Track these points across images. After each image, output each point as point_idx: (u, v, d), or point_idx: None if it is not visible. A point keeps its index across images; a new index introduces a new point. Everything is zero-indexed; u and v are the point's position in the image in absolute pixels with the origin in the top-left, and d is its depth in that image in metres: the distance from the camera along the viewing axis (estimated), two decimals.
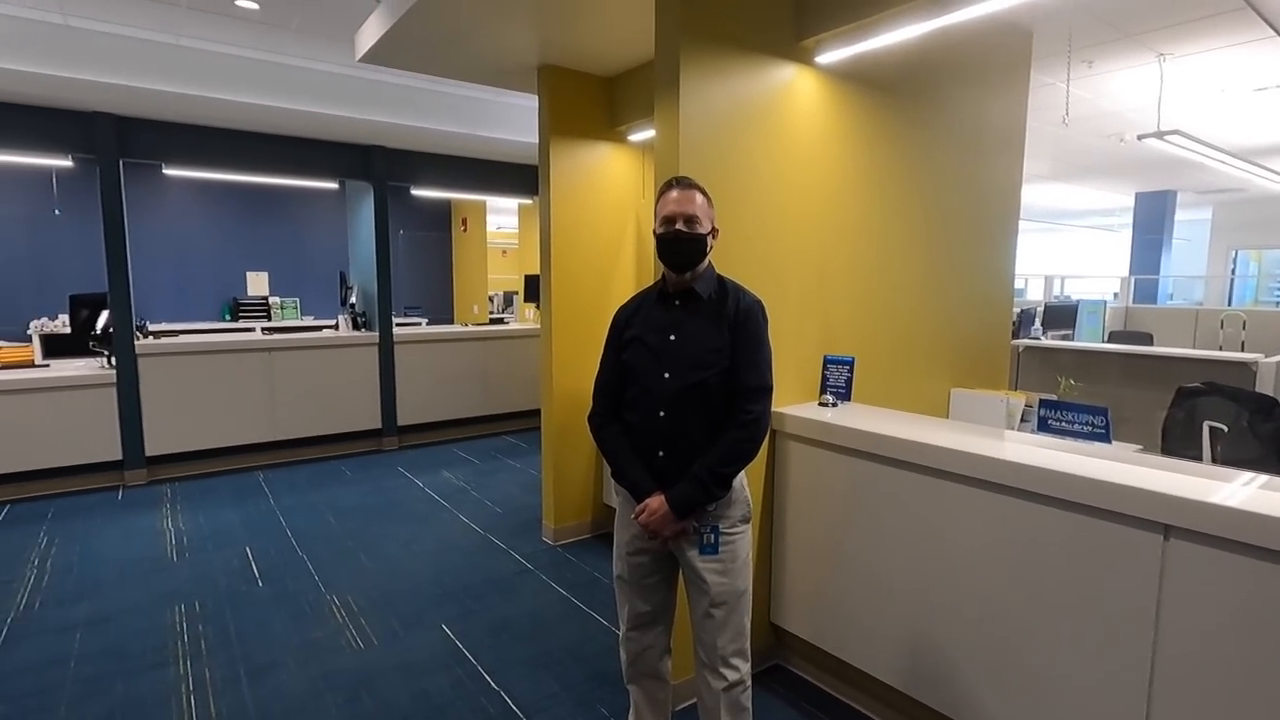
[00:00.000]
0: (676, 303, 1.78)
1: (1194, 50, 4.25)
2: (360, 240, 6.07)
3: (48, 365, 4.86)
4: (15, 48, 3.82)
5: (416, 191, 6.31)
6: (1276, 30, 2.75)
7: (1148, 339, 6.22)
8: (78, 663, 2.61)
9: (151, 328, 5.35)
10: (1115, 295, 9.96)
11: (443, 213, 9.11)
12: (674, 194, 1.73)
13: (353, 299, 6.12)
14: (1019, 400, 2.88)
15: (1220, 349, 6.19)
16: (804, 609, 2.47)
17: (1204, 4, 3.56)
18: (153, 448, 4.86)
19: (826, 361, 2.61)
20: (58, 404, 4.51)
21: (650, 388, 1.73)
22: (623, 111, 3.72)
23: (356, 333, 5.85)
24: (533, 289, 6.87)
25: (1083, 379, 4.37)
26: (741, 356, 1.71)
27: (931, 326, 3.16)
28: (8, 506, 4.34)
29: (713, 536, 1.72)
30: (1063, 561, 1.72)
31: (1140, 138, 5.13)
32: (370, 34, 3.34)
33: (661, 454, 1.72)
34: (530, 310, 7.27)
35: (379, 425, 5.81)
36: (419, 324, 7.39)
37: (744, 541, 1.78)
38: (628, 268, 3.94)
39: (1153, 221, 10.03)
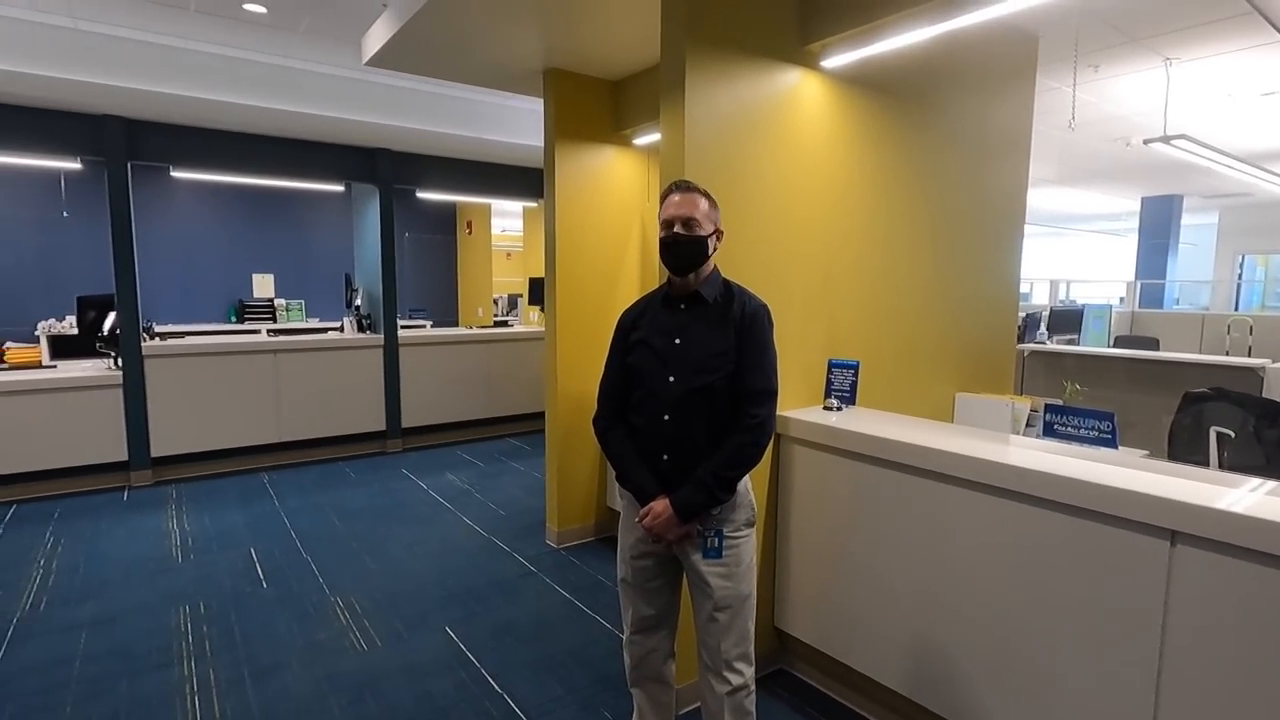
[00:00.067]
0: (682, 306, 1.78)
1: (1201, 55, 4.24)
2: (366, 243, 6.09)
3: (55, 366, 4.89)
4: (25, 51, 3.85)
5: (422, 194, 6.33)
6: None
7: (1154, 344, 6.20)
8: (83, 662, 2.62)
9: (158, 329, 5.37)
10: (1121, 300, 9.93)
11: (448, 216, 9.13)
12: (675, 198, 1.74)
13: (358, 301, 6.14)
14: (1024, 405, 2.87)
15: (1227, 354, 6.16)
16: (808, 613, 2.46)
17: (1211, 9, 3.55)
18: (158, 449, 4.88)
19: (831, 365, 2.61)
20: (64, 405, 4.54)
21: (655, 391, 1.73)
22: (628, 115, 3.72)
23: (361, 335, 5.87)
24: (537, 292, 6.88)
25: (1088, 384, 4.36)
26: (747, 360, 1.71)
27: (936, 330, 3.15)
28: (14, 506, 4.36)
29: (717, 540, 1.72)
30: (1069, 567, 1.72)
31: (1146, 142, 5.12)
32: (377, 38, 3.36)
33: (666, 457, 1.72)
34: (535, 313, 7.29)
35: (384, 427, 5.83)
36: (424, 326, 7.41)
37: (748, 545, 1.77)
38: (632, 271, 3.95)
39: (1159, 226, 10.00)
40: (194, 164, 5.10)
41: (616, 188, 3.85)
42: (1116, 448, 2.05)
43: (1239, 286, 12.23)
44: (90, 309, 4.96)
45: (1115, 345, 6.37)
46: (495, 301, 9.24)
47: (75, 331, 5.19)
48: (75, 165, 4.82)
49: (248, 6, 3.82)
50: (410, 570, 3.48)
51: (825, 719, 2.34)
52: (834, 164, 2.64)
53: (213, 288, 7.86)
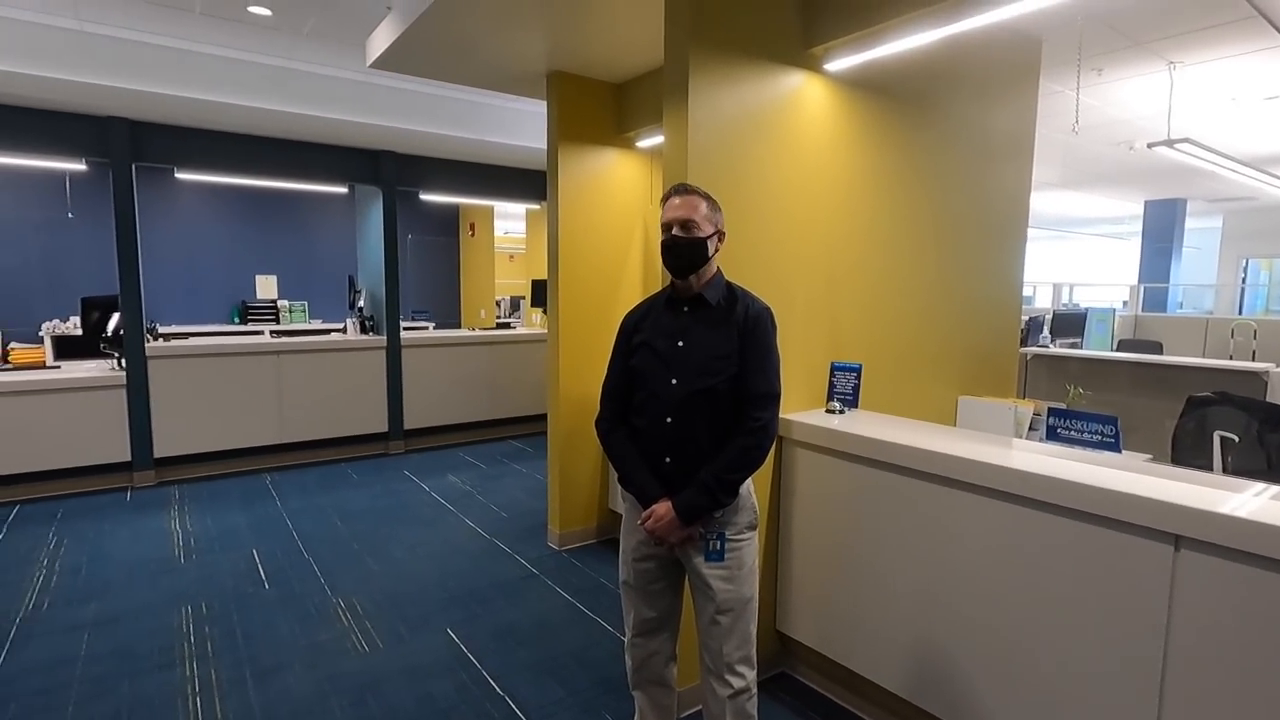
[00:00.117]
0: (685, 309, 1.78)
1: (1204, 59, 4.23)
2: (369, 245, 6.10)
3: (59, 367, 4.91)
4: (32, 53, 3.87)
5: (425, 196, 6.35)
6: None
7: (1157, 348, 6.19)
8: (85, 663, 2.63)
9: (161, 330, 5.39)
10: (1124, 303, 9.92)
11: (451, 218, 9.15)
12: (675, 200, 1.74)
13: (361, 303, 6.15)
14: (1027, 408, 2.87)
15: (1231, 358, 6.14)
16: (810, 616, 2.46)
17: (1215, 12, 3.55)
18: (161, 449, 4.89)
19: (834, 368, 2.61)
20: (68, 405, 4.55)
21: (658, 393, 1.73)
22: (631, 118, 3.73)
23: (364, 336, 5.88)
24: (540, 294, 6.89)
25: (1091, 387, 4.35)
26: (750, 363, 1.71)
27: (939, 333, 3.15)
28: (18, 506, 4.37)
29: (719, 543, 1.72)
30: (1072, 571, 1.71)
31: (1150, 146, 5.11)
32: (381, 40, 3.37)
33: (668, 460, 1.72)
34: (537, 315, 7.29)
35: (386, 429, 5.83)
36: (426, 328, 7.42)
37: (750, 548, 1.77)
38: (635, 273, 3.95)
39: (1162, 230, 9.98)
40: (198, 165, 5.11)
41: (619, 190, 3.86)
42: (1120, 452, 2.04)
43: (1243, 290, 12.20)
44: (94, 310, 4.97)
45: (1119, 349, 6.36)
46: (498, 303, 9.26)
47: (79, 332, 5.21)
48: (80, 166, 4.84)
49: (253, 9, 3.83)
50: (412, 572, 3.48)
51: None
52: (837, 167, 2.64)
53: (216, 289, 7.88)
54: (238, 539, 3.89)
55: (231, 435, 5.16)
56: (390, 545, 3.82)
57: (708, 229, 1.73)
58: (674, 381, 1.71)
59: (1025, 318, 5.27)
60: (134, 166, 4.75)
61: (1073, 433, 2.13)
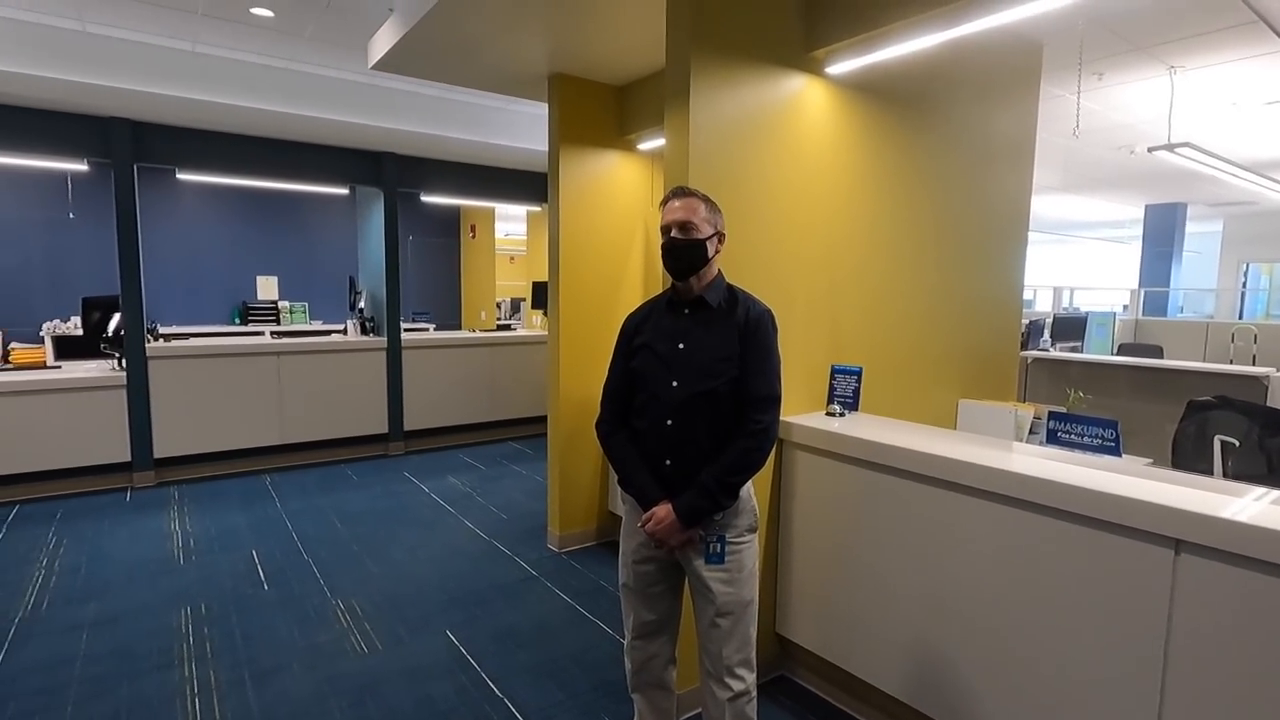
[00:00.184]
0: (686, 311, 1.78)
1: (1205, 63, 4.24)
2: (370, 246, 6.11)
3: (59, 367, 4.91)
4: (34, 53, 3.87)
5: (426, 198, 6.35)
6: None
7: (1158, 352, 6.19)
8: (84, 663, 2.63)
9: (162, 330, 5.39)
10: (1125, 307, 9.92)
11: (451, 219, 9.15)
12: (674, 203, 1.75)
13: (361, 304, 6.15)
14: (1027, 412, 2.87)
15: (1231, 363, 6.14)
16: (810, 619, 2.46)
17: (1215, 18, 3.56)
18: (161, 450, 4.89)
19: (834, 371, 2.61)
20: (68, 405, 4.55)
21: (658, 395, 1.73)
22: (632, 120, 3.73)
23: (365, 338, 5.88)
24: (540, 296, 6.89)
25: (1092, 391, 4.35)
26: (751, 366, 1.71)
27: (940, 337, 3.15)
28: (17, 506, 4.37)
29: (719, 546, 1.72)
30: (1073, 575, 1.71)
31: (1151, 150, 5.12)
32: (383, 42, 3.37)
33: (669, 462, 1.72)
34: (538, 317, 7.30)
35: (386, 430, 5.83)
36: (427, 330, 7.42)
37: (750, 551, 1.77)
38: (636, 276, 3.95)
39: (1163, 234, 9.99)
40: (200, 166, 5.12)
41: (620, 193, 3.86)
42: (1120, 455, 2.04)
43: (1243, 295, 12.21)
44: (95, 310, 4.97)
45: (1119, 353, 6.36)
46: (498, 305, 9.26)
47: (80, 332, 5.21)
48: (82, 167, 4.85)
49: (255, 10, 3.84)
50: (411, 573, 3.48)
51: None
52: (838, 170, 2.64)
53: (217, 289, 7.89)
54: (237, 540, 3.89)
55: (231, 436, 5.16)
56: (390, 547, 3.82)
57: (707, 231, 1.74)
58: (675, 384, 1.71)
59: (1026, 321, 5.27)
60: (135, 167, 4.76)
61: (1073, 436, 2.13)
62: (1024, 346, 5.21)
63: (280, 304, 8.09)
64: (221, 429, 5.12)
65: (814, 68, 2.51)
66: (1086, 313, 6.85)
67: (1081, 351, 5.95)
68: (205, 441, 5.07)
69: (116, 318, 4.81)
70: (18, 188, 6.66)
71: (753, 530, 1.78)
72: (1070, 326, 6.28)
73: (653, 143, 3.72)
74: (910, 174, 2.93)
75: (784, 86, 2.43)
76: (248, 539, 3.90)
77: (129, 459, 4.78)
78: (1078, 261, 16.08)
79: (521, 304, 8.22)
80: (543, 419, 4.15)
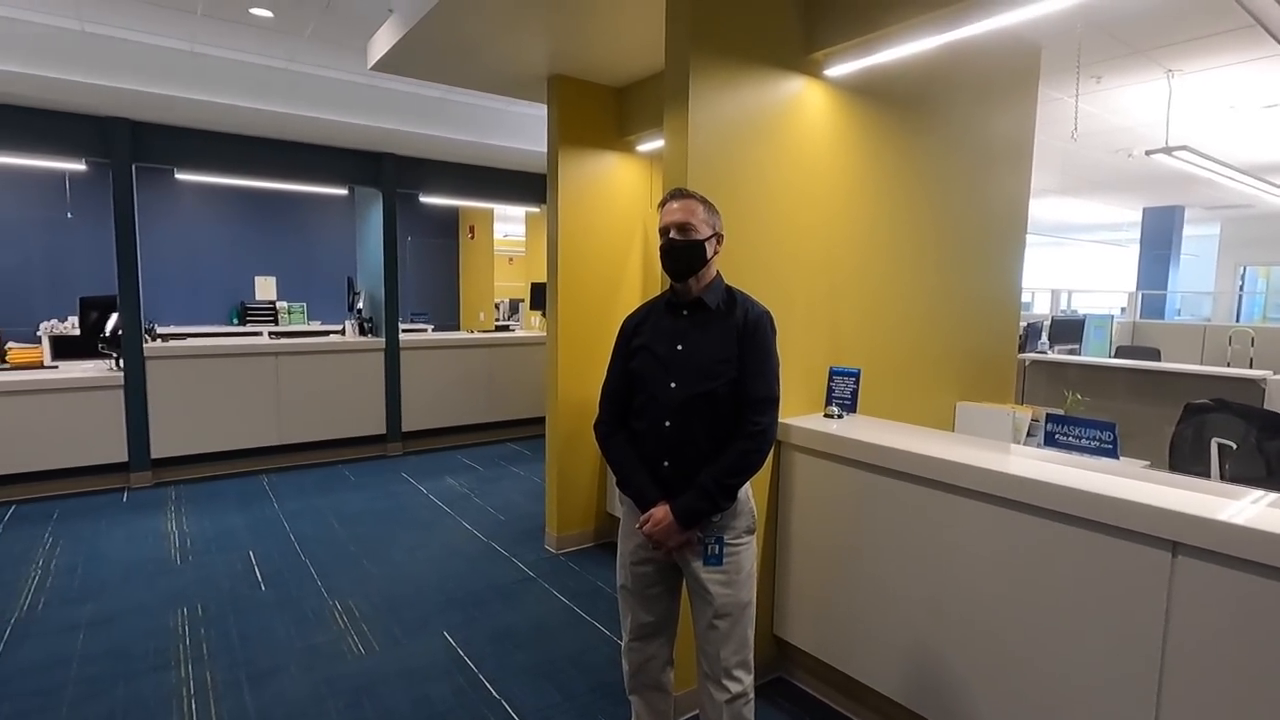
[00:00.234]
0: (684, 312, 1.78)
1: (1203, 67, 4.25)
2: (368, 246, 6.10)
3: (56, 367, 4.90)
4: (33, 53, 3.87)
5: (425, 199, 6.35)
6: None
7: (1155, 354, 6.20)
8: (80, 663, 2.62)
9: (160, 331, 5.38)
10: (1123, 310, 9.93)
11: (450, 220, 9.15)
12: (672, 204, 1.75)
13: (360, 305, 6.15)
14: (1025, 414, 2.87)
15: (1228, 365, 6.15)
16: (807, 621, 2.45)
17: (1213, 21, 3.56)
18: (159, 450, 4.88)
19: (832, 373, 2.61)
20: (65, 405, 4.54)
21: (657, 397, 1.73)
22: (631, 122, 3.74)
23: (363, 338, 5.88)
24: (539, 297, 6.89)
25: (1089, 394, 4.35)
26: (749, 367, 1.71)
27: (938, 339, 3.15)
28: (14, 506, 4.36)
29: (717, 547, 1.72)
30: (1070, 577, 1.71)
31: (1148, 153, 5.13)
32: (382, 43, 3.37)
33: (667, 464, 1.72)
34: (536, 318, 7.30)
35: (384, 431, 5.83)
36: (425, 330, 7.42)
37: (748, 553, 1.77)
38: (634, 277, 3.95)
39: (1160, 237, 10.01)
40: (198, 166, 5.11)
41: (619, 194, 3.86)
42: (1118, 458, 2.04)
43: (1240, 298, 12.23)
44: (92, 310, 4.96)
45: (1116, 355, 6.37)
46: (497, 306, 9.25)
47: (77, 332, 5.20)
48: (80, 166, 4.84)
49: (254, 11, 3.84)
50: (409, 574, 3.47)
51: None
52: (837, 172, 2.64)
53: (215, 290, 7.88)
54: (234, 540, 3.88)
55: (229, 436, 5.15)
56: (387, 547, 3.81)
57: (705, 232, 1.74)
58: (673, 385, 1.71)
59: (1024, 324, 5.28)
60: (134, 167, 4.75)
61: (1070, 439, 2.13)
62: (1022, 349, 5.22)
63: (278, 304, 8.08)
64: (219, 429, 5.11)
65: (813, 70, 2.51)
66: (1084, 315, 6.85)
67: (1079, 354, 5.96)
68: (203, 442, 5.06)
69: (114, 318, 4.81)
70: (16, 187, 6.65)
71: (751, 532, 1.78)
72: (1068, 329, 6.29)
73: (652, 144, 3.73)
74: (909, 176, 2.94)
75: (783, 88, 2.44)
76: (245, 540, 3.89)
77: (126, 459, 4.77)
78: (1076, 264, 16.11)
79: (520, 305, 8.22)
80: (541, 420, 4.15)
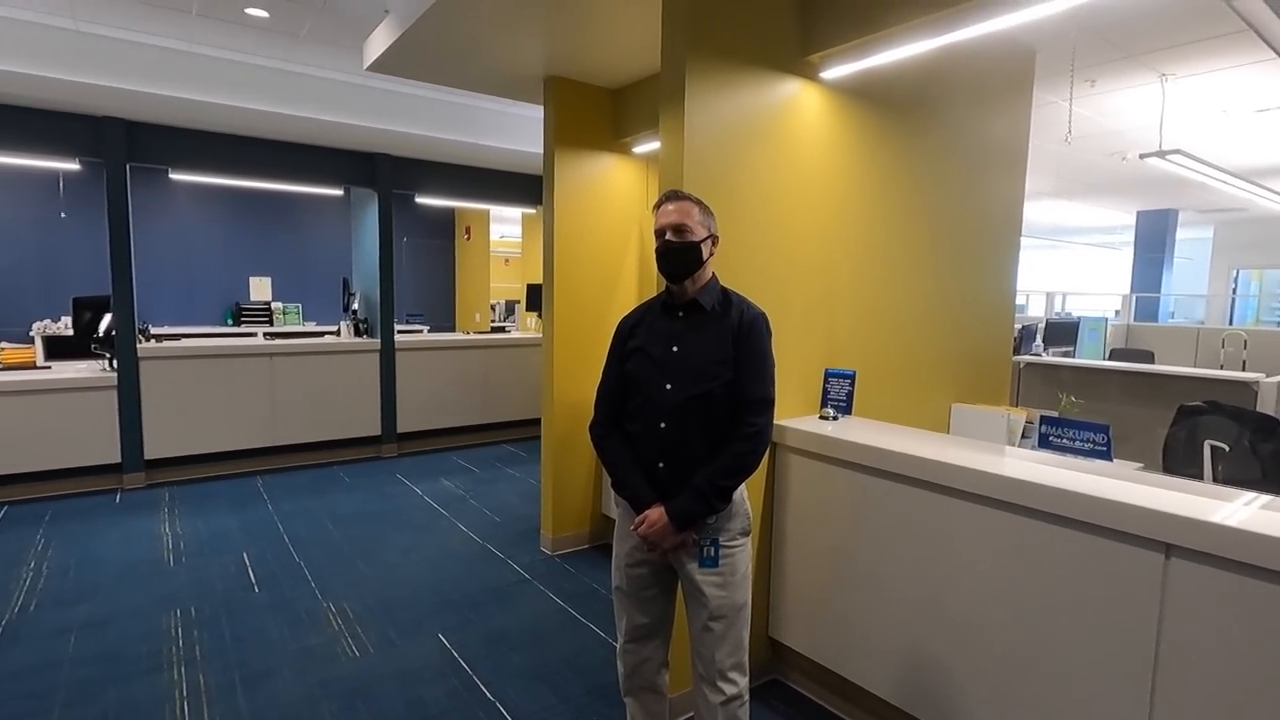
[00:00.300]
0: (680, 314, 1.78)
1: (1196, 71, 4.28)
2: (364, 247, 6.09)
3: (49, 367, 4.87)
4: (27, 52, 3.85)
5: (421, 200, 6.33)
6: (1278, 53, 2.77)
7: (1149, 357, 6.22)
8: (71, 666, 2.60)
9: (154, 331, 5.35)
10: (1117, 313, 9.97)
11: (446, 221, 9.14)
12: (668, 206, 1.76)
13: (355, 305, 6.13)
14: (1020, 416, 2.88)
15: (1221, 368, 6.19)
16: (803, 623, 2.46)
17: (1206, 26, 3.59)
18: (152, 451, 4.85)
19: (828, 375, 2.62)
20: (58, 406, 4.51)
21: (652, 398, 1.73)
22: (628, 123, 3.74)
23: (358, 339, 5.86)
24: (535, 298, 6.88)
25: (1084, 396, 4.37)
26: (745, 369, 1.71)
27: (933, 341, 3.16)
28: (5, 508, 4.33)
29: (712, 549, 1.72)
30: (1064, 579, 1.72)
31: (1142, 156, 5.15)
32: (378, 43, 3.37)
33: (662, 465, 1.72)
34: (532, 319, 7.29)
35: (379, 432, 5.81)
36: (421, 331, 7.40)
37: (744, 555, 1.77)
38: (630, 279, 3.95)
39: (1154, 240, 10.06)
40: (193, 166, 5.10)
41: (615, 195, 3.87)
42: (1111, 460, 2.05)
43: (1233, 301, 12.30)
44: (86, 310, 4.94)
45: (1110, 358, 6.40)
46: (493, 307, 9.24)
47: (70, 332, 5.18)
48: (74, 166, 4.82)
49: (250, 10, 3.83)
50: (404, 576, 3.46)
51: None
52: (833, 174, 2.65)
53: (210, 290, 7.84)
54: (228, 542, 3.86)
55: (223, 437, 5.13)
56: (382, 549, 3.80)
57: (701, 233, 1.74)
58: (668, 387, 1.71)
59: (1018, 326, 5.30)
60: (128, 166, 4.73)
61: (1065, 441, 2.14)
62: (1016, 351, 5.23)
63: (274, 305, 8.05)
64: (213, 430, 5.09)
65: (809, 72, 2.52)
66: (1079, 318, 6.88)
67: (1073, 356, 5.98)
68: (196, 443, 5.03)
69: (107, 318, 4.78)
70: (9, 186, 6.61)
71: (746, 534, 1.78)
72: (1062, 331, 6.32)
73: (648, 146, 3.73)
74: (905, 179, 2.95)
75: (779, 90, 2.44)
76: (239, 541, 3.88)
77: (119, 460, 4.75)
78: (1070, 267, 16.18)
79: (516, 306, 8.21)
80: (537, 422, 4.15)
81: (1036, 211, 10.31)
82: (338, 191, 6.04)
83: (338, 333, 6.21)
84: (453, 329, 8.75)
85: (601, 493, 3.94)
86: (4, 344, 5.16)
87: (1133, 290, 10.01)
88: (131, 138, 4.74)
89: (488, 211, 8.79)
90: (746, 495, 1.79)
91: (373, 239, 5.82)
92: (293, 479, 5.13)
